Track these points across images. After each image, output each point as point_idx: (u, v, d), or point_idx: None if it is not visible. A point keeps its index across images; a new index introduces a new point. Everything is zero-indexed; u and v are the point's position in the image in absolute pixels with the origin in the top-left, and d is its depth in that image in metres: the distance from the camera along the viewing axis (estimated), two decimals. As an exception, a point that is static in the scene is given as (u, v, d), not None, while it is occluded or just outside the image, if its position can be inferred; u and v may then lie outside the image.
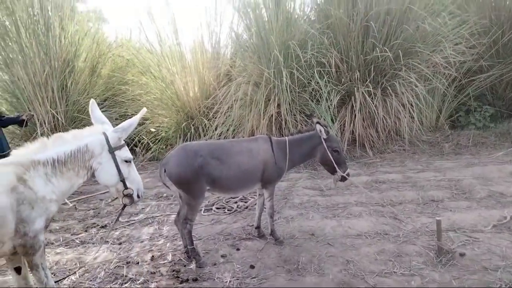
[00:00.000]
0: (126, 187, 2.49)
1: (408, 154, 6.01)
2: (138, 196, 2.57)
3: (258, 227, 3.68)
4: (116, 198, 2.63)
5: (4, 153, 4.68)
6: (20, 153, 2.21)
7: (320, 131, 3.32)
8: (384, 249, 3.22)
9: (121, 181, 2.47)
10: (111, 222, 4.48)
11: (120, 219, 4.54)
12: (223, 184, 3.19)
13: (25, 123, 4.95)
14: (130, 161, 2.52)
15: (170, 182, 3.09)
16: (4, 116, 4.97)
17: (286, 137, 3.45)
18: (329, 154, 3.33)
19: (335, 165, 3.34)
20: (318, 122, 3.35)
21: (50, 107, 6.52)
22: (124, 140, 2.55)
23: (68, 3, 7.34)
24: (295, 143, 3.40)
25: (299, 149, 3.39)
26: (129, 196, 2.51)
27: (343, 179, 3.40)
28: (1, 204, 2.00)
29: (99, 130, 2.44)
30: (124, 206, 2.64)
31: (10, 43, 6.49)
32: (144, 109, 2.64)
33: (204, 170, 3.04)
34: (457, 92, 6.80)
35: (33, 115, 5.12)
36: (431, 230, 3.45)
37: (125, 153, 2.50)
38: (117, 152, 2.45)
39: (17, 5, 6.46)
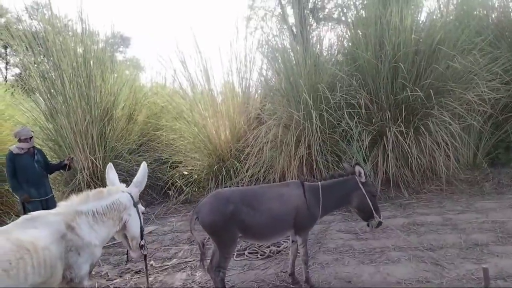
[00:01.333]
0: (142, 237, 2.79)
1: (446, 194, 5.77)
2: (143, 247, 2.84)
3: (292, 274, 3.58)
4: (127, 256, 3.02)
5: (48, 196, 4.95)
6: (66, 204, 2.38)
7: (360, 174, 3.28)
8: (427, 299, 3.05)
9: (141, 232, 2.78)
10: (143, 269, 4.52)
11: (153, 263, 4.58)
12: (255, 231, 3.17)
13: (67, 166, 5.20)
14: (144, 214, 2.91)
15: (197, 230, 3.15)
16: (50, 163, 5.27)
17: (319, 182, 3.42)
18: (368, 200, 3.27)
19: (374, 211, 3.27)
20: (358, 164, 3.32)
21: (90, 154, 6.83)
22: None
23: (109, 56, 7.90)
24: (328, 188, 3.35)
25: (333, 195, 3.34)
26: (144, 247, 2.81)
27: (379, 224, 3.31)
28: (52, 253, 2.13)
29: (121, 189, 2.79)
30: (146, 256, 2.95)
31: (55, 95, 6.97)
32: (144, 163, 3.03)
33: (236, 217, 3.04)
34: (494, 129, 6.57)
35: (73, 158, 5.36)
36: (477, 277, 3.24)
37: (142, 207, 2.88)
38: (138, 206, 2.82)
39: (63, 60, 7.00)
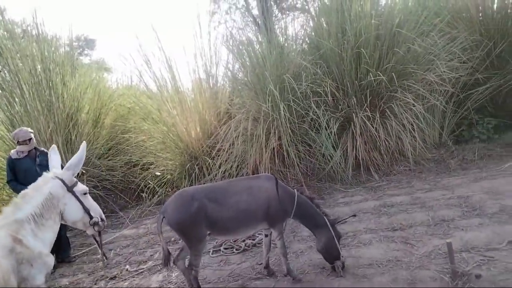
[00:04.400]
0: (91, 217, 2.64)
1: (414, 174, 5.92)
2: (102, 220, 2.72)
3: (266, 267, 3.60)
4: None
5: None
6: (2, 217, 2.29)
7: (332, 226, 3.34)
8: (397, 277, 3.13)
9: (86, 213, 2.62)
10: (124, 269, 4.44)
11: (129, 268, 4.51)
12: (223, 227, 3.15)
13: None
14: (87, 193, 2.69)
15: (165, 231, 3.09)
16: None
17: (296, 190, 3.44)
18: (337, 242, 3.29)
19: (341, 252, 3.32)
20: (336, 223, 3.39)
21: (56, 162, 6.61)
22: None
23: (69, 61, 7.64)
24: (303, 200, 3.38)
25: (304, 209, 3.37)
26: (96, 224, 2.67)
27: (343, 266, 3.36)
28: (4, 268, 2.05)
29: (50, 176, 2.57)
30: (100, 232, 2.79)
31: (14, 104, 6.71)
32: (84, 143, 2.77)
33: (202, 214, 3.02)
34: (456, 107, 6.77)
35: None
36: (444, 252, 3.35)
37: (81, 187, 2.67)
38: (75, 188, 2.60)
39: (20, 67, 6.73)
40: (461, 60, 6.45)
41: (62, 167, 2.72)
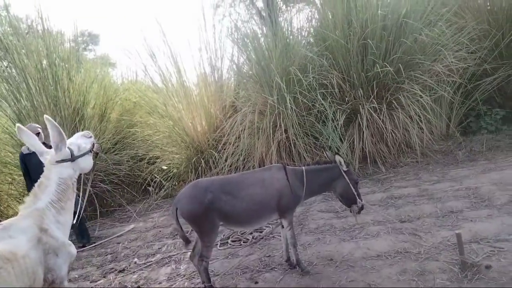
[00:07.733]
0: (92, 151, 2.79)
1: (421, 165, 5.89)
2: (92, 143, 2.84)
3: (287, 260, 3.58)
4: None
5: None
6: (25, 206, 2.30)
7: (340, 162, 3.36)
8: (406, 269, 3.12)
9: (91, 154, 2.77)
10: (133, 262, 4.48)
11: (137, 261, 4.55)
12: (237, 219, 3.16)
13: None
14: (80, 143, 2.75)
15: (181, 220, 3.08)
16: None
17: (303, 167, 3.45)
18: (352, 187, 3.35)
19: (357, 196, 3.37)
20: (337, 154, 3.40)
21: (63, 156, 6.65)
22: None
23: (74, 56, 7.65)
24: (312, 172, 3.40)
25: (316, 180, 3.39)
26: (97, 149, 2.88)
27: (361, 209, 3.43)
28: (32, 260, 2.06)
29: (50, 163, 2.50)
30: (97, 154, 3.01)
31: (20, 99, 6.75)
32: (46, 116, 2.58)
33: (215, 206, 3.02)
34: (464, 98, 6.69)
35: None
36: (453, 243, 3.33)
37: (75, 146, 2.64)
38: (75, 153, 2.60)
39: (26, 63, 6.76)
40: (469, 50, 6.38)
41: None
